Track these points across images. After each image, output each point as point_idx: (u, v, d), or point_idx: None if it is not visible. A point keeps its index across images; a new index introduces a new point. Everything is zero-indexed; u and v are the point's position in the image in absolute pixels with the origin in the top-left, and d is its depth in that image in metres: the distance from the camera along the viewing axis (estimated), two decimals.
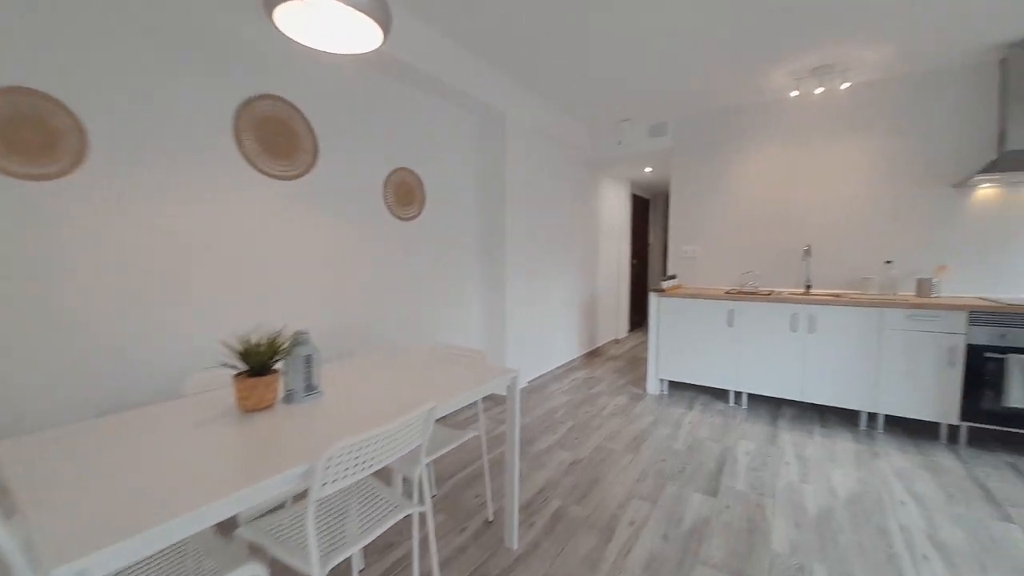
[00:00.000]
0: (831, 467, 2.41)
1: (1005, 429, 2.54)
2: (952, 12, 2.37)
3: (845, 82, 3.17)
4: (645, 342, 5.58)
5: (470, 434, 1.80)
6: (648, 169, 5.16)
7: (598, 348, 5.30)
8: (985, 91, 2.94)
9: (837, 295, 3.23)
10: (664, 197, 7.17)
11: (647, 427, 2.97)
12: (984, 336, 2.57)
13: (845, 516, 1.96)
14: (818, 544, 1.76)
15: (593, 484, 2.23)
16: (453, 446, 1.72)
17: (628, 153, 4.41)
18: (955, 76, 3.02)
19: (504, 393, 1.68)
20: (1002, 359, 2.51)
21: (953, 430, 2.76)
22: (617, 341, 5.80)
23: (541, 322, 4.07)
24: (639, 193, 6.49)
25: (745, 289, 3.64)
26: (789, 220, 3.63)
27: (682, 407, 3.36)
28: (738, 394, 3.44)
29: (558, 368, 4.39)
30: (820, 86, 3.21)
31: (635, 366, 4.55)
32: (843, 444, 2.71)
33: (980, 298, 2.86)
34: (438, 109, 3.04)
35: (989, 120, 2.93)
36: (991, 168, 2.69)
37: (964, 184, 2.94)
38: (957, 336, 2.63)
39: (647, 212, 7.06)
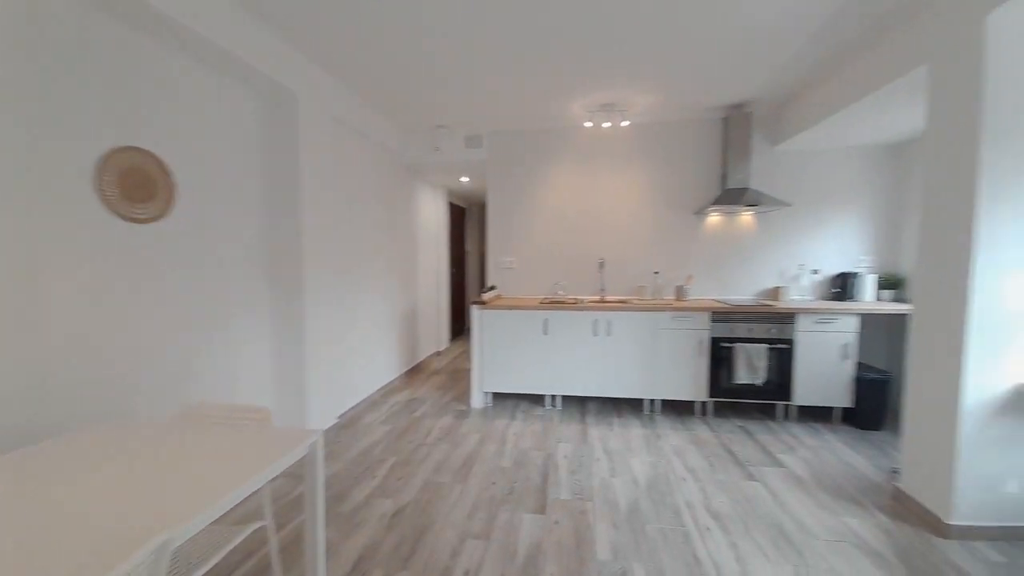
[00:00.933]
0: (630, 456, 2.72)
1: (735, 400, 3.34)
2: (694, 76, 2.98)
3: (625, 120, 3.71)
4: (467, 351, 5.56)
5: (251, 528, 1.31)
6: (465, 179, 5.16)
7: (420, 363, 5.03)
8: (715, 141, 3.84)
9: (624, 301, 3.75)
10: (480, 206, 7.37)
11: (474, 448, 2.85)
12: (720, 330, 3.31)
13: (648, 504, 2.18)
14: (633, 542, 1.90)
15: (421, 535, 1.95)
16: (225, 551, 1.21)
17: (445, 161, 4.29)
18: (697, 126, 3.86)
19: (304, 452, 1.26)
20: (731, 347, 3.27)
21: (704, 405, 3.48)
22: (439, 353, 5.64)
23: (353, 343, 3.57)
24: (456, 202, 6.50)
25: (555, 298, 3.92)
26: (588, 234, 4.08)
27: (505, 417, 3.38)
28: (553, 397, 3.66)
29: (376, 393, 3.94)
30: (607, 121, 3.68)
31: (458, 379, 4.45)
32: (635, 431, 3.12)
33: (716, 300, 3.71)
34: (203, 77, 2.29)
35: (716, 163, 3.84)
36: (716, 201, 3.51)
37: (700, 212, 3.79)
38: (703, 331, 3.32)
39: (464, 220, 7.14)
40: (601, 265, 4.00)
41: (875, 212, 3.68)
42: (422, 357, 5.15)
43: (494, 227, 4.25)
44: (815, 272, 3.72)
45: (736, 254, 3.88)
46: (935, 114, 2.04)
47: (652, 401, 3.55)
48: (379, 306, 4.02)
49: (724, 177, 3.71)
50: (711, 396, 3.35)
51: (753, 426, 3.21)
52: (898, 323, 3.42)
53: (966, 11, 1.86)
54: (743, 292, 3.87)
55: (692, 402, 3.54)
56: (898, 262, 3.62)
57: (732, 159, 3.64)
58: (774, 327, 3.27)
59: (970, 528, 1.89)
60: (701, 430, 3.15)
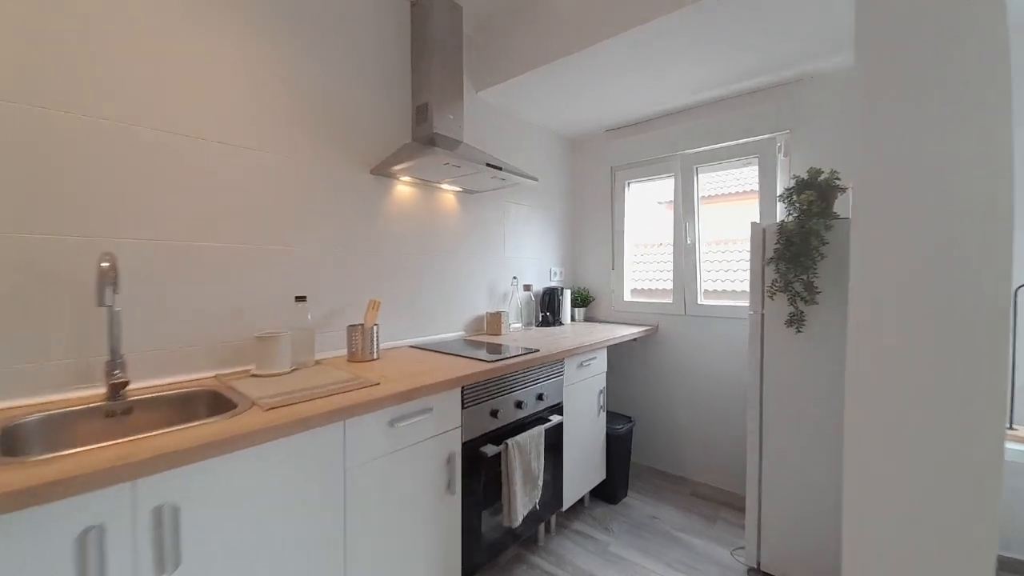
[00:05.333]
0: None
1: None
2: None
3: None
4: None
5: None
6: None
7: None
8: (402, 43, 1.97)
9: (194, 393, 1.23)
10: None
11: None
12: (476, 421, 1.53)
13: None
14: None
15: None
16: None
17: None
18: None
19: None
20: (499, 453, 1.56)
21: None
22: None
23: None
24: None
25: None
26: (62, 192, 1.16)
27: None
28: None
29: None
30: None
31: None
32: None
33: (416, 346, 1.86)
34: None
35: (404, 86, 1.99)
36: (417, 153, 1.70)
37: (384, 172, 1.84)
38: (449, 434, 1.44)
39: None
40: (108, 286, 1.20)
41: (566, 215, 3.06)
42: None
43: None
44: (527, 288, 2.63)
45: (436, 259, 2.20)
46: None
47: None
48: None
49: (423, 115, 1.94)
50: None
51: None
52: (627, 349, 2.86)
53: None
54: (449, 324, 2.24)
55: None
56: (580, 274, 3.13)
57: (432, 87, 1.93)
58: (545, 388, 1.84)
59: None
60: None
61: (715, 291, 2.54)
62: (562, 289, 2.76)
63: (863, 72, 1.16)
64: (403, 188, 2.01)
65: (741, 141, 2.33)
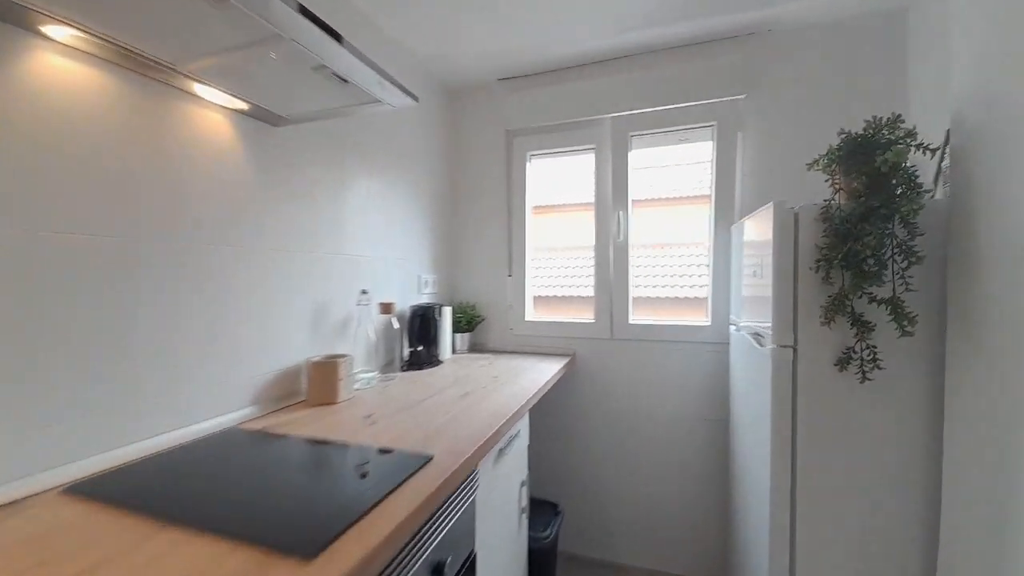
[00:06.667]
0: None
1: None
2: None
3: None
4: None
5: None
6: None
7: None
8: None
9: None
10: None
11: None
12: None
13: None
14: None
15: None
16: None
17: None
18: None
19: None
20: None
21: None
22: None
23: None
24: None
25: None
26: None
27: None
28: None
29: None
30: None
31: None
32: None
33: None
34: None
35: None
36: None
37: None
38: None
39: None
40: None
41: (441, 196, 2.07)
42: None
43: None
44: (385, 309, 1.55)
45: (179, 251, 1.00)
46: None
47: None
48: None
49: None
50: None
51: None
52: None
53: None
54: (216, 395, 1.05)
55: None
56: (462, 284, 2.18)
57: None
58: (445, 542, 0.84)
59: None
60: None
61: (657, 298, 1.90)
62: (439, 308, 1.78)
63: None
64: (67, 68, 0.77)
65: (686, 105, 1.73)
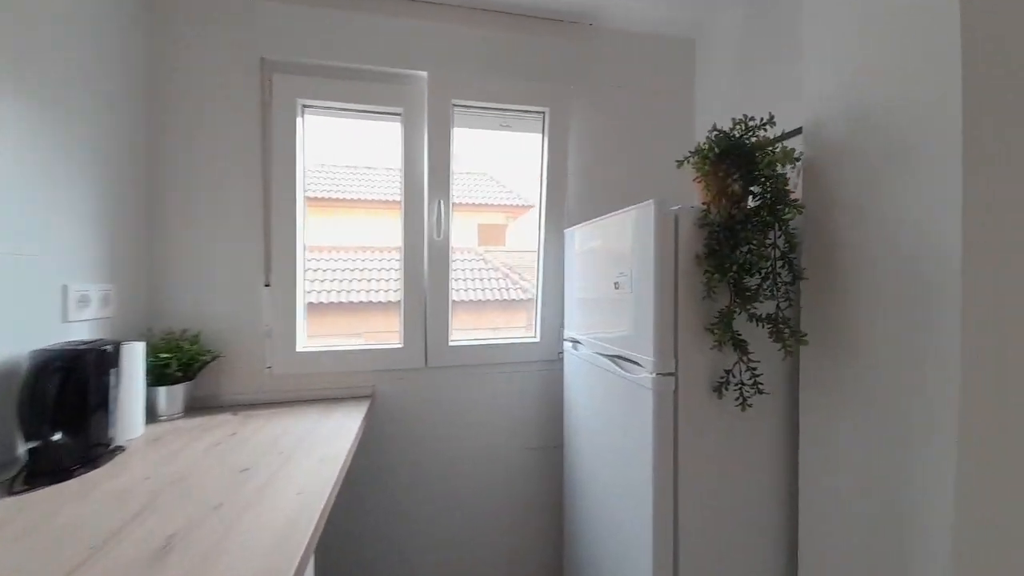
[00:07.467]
0: None
1: None
2: None
3: None
4: None
5: None
6: None
7: None
8: None
9: None
10: None
11: None
12: None
13: None
14: None
15: None
16: None
17: None
18: None
19: None
20: None
21: None
22: None
23: None
24: None
25: None
26: None
27: None
28: None
29: None
30: None
31: None
32: None
33: None
34: None
35: None
36: None
37: None
38: None
39: None
40: None
41: (120, 154, 1.13)
42: None
43: None
44: None
45: None
46: None
47: None
48: None
49: None
50: None
51: None
52: None
53: None
54: None
55: None
56: (175, 297, 1.29)
57: None
58: None
59: None
60: None
61: (475, 301, 1.54)
62: (114, 347, 0.94)
63: None
64: None
65: (518, 83, 1.44)
